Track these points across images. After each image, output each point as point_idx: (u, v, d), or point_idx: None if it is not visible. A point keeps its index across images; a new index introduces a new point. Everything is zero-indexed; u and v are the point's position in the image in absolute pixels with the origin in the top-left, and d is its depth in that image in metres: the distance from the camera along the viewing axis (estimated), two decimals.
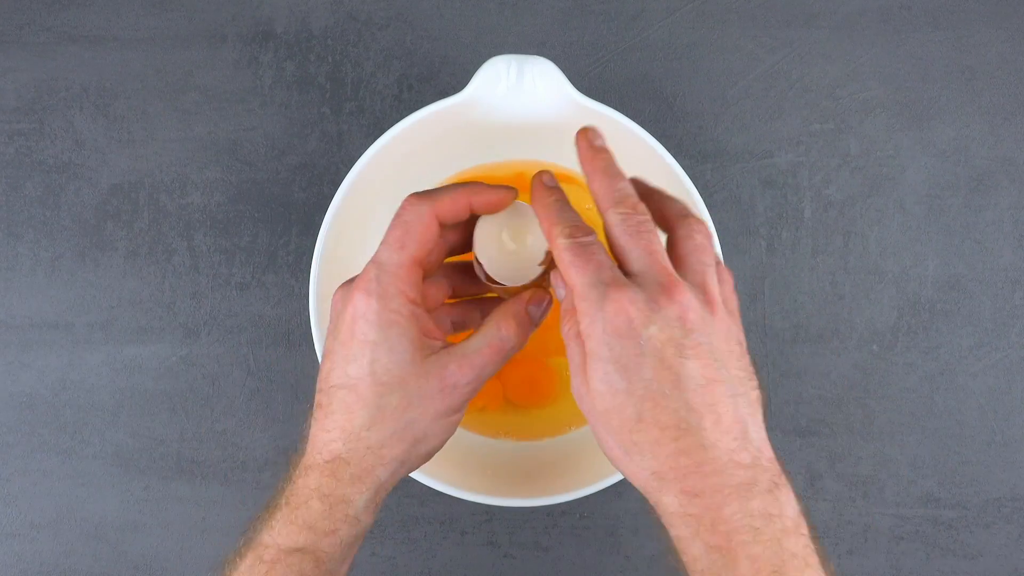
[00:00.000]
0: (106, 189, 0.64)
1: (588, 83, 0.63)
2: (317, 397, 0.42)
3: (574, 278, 0.37)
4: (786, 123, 0.63)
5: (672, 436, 0.35)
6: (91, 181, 0.64)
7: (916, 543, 0.62)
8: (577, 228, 0.39)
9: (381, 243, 0.41)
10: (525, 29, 0.64)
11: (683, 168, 0.53)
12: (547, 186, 0.41)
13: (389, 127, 0.52)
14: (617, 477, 0.51)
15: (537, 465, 0.57)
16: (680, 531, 0.36)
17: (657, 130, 0.55)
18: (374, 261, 0.41)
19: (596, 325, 0.36)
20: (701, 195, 0.53)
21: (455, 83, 0.62)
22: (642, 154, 0.54)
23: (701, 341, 0.36)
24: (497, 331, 0.42)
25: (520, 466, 0.58)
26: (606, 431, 0.37)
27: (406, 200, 0.42)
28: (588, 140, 0.41)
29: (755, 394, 0.37)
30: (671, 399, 0.35)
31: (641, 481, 0.37)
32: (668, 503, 0.36)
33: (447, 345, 0.42)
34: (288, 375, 0.63)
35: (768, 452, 0.37)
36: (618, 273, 0.37)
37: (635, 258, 0.37)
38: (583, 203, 0.60)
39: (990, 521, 0.62)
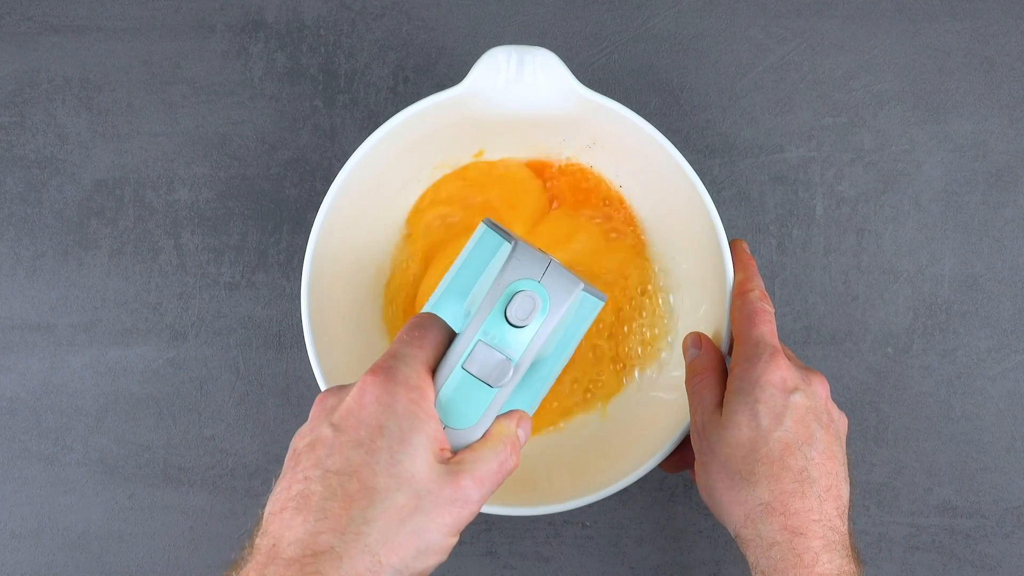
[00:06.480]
0: (90, 185, 0.63)
1: (591, 75, 0.63)
2: (296, 484, 0.37)
3: (750, 331, 0.47)
4: (797, 116, 0.63)
5: (795, 479, 0.43)
6: (74, 177, 0.63)
7: (932, 553, 0.61)
8: (767, 295, 0.49)
9: (395, 340, 0.41)
10: (526, 19, 0.63)
11: (690, 163, 0.53)
12: (749, 252, 0.52)
13: (384, 121, 0.53)
14: (621, 484, 0.52)
15: (537, 471, 0.57)
16: (768, 561, 0.43)
17: (663, 124, 0.56)
18: (391, 354, 0.39)
19: (755, 371, 0.46)
20: (709, 191, 0.53)
21: (453, 75, 0.62)
22: (647, 149, 0.54)
23: (833, 419, 0.47)
24: (504, 450, 0.40)
25: (520, 472, 0.57)
26: (723, 461, 0.45)
27: (423, 312, 0.43)
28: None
29: (847, 488, 0.46)
30: (802, 450, 0.44)
31: (743, 509, 0.44)
32: (767, 532, 0.43)
33: (453, 457, 0.40)
34: (279, 379, 0.62)
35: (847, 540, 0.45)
36: (779, 342, 0.48)
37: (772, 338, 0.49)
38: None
39: (1010, 530, 0.61)
